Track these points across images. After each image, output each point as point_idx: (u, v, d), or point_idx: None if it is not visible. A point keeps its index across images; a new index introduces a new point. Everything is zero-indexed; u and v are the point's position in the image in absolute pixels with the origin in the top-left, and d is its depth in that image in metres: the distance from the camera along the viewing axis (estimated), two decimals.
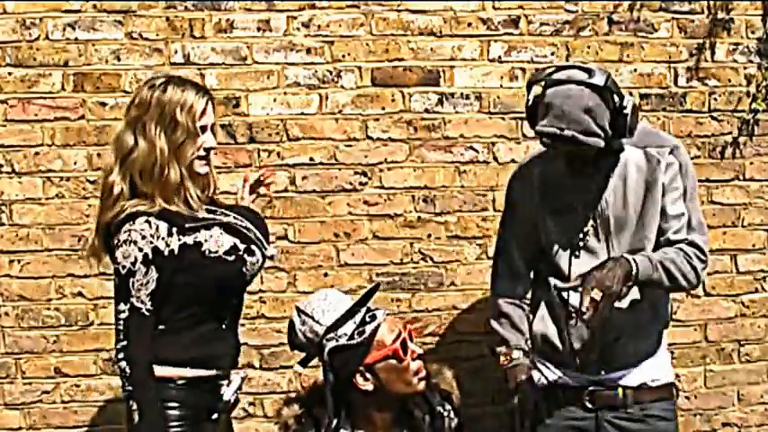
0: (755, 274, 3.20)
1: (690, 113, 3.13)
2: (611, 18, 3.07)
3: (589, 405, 2.31)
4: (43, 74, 2.83)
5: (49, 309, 2.88)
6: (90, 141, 2.86)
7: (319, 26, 2.94)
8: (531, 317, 2.39)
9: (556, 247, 2.34)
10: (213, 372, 2.10)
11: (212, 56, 2.90)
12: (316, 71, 2.95)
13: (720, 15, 3.12)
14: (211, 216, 2.11)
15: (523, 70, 3.04)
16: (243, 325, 2.83)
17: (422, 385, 2.05)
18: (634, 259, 2.15)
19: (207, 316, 2.09)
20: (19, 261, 2.86)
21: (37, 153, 2.85)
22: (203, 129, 2.07)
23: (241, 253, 2.09)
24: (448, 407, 2.14)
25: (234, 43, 2.91)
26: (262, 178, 2.43)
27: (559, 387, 2.35)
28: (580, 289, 2.11)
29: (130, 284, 1.97)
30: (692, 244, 2.23)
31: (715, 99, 3.15)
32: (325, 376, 2.02)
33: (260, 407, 2.96)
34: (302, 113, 2.95)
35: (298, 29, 2.93)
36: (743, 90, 3.16)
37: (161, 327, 2.05)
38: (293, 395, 2.15)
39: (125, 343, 1.98)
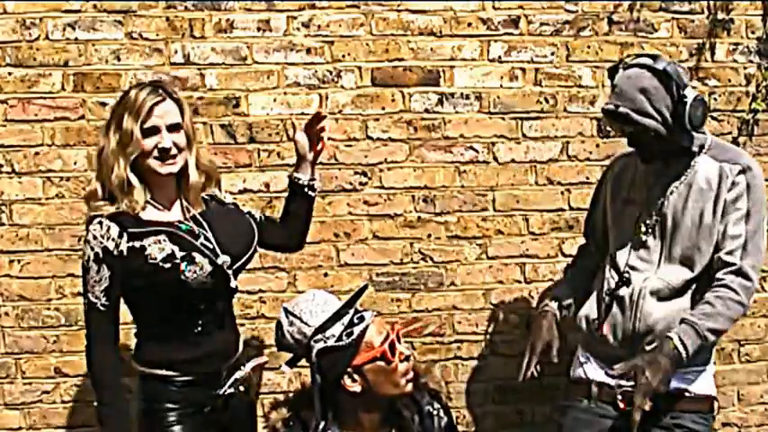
0: None
1: None
2: (611, 18, 3.07)
3: (621, 405, 2.31)
4: (43, 74, 2.83)
5: (49, 309, 2.88)
6: (90, 141, 2.86)
7: (319, 26, 2.94)
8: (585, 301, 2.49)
9: (615, 237, 2.42)
10: (197, 373, 2.17)
11: (212, 56, 2.90)
12: (316, 71, 2.95)
13: (720, 15, 3.12)
14: (160, 221, 2.16)
15: (523, 70, 3.04)
16: (243, 325, 2.85)
17: (409, 387, 2.04)
18: (683, 342, 2.15)
19: (176, 322, 2.17)
20: (19, 261, 2.86)
21: (37, 153, 2.85)
22: (153, 129, 2.12)
23: (177, 261, 2.10)
24: (437, 405, 2.14)
25: (234, 43, 2.91)
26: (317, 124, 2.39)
27: (594, 382, 2.38)
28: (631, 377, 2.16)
29: (86, 281, 2.11)
30: (739, 272, 2.20)
31: (715, 99, 3.15)
32: (313, 378, 2.03)
33: (260, 407, 2.96)
34: (302, 113, 2.95)
35: (298, 29, 2.93)
36: (743, 90, 3.16)
37: (138, 330, 2.23)
38: (281, 398, 2.16)
39: (87, 334, 2.13)
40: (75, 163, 2.86)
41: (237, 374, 2.23)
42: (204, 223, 2.22)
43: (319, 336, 2.02)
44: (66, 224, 2.87)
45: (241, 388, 2.26)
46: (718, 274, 2.22)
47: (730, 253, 2.22)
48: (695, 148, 2.28)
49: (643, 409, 2.11)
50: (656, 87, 2.18)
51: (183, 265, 2.10)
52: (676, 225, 2.29)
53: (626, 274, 2.35)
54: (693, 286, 2.29)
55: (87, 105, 2.86)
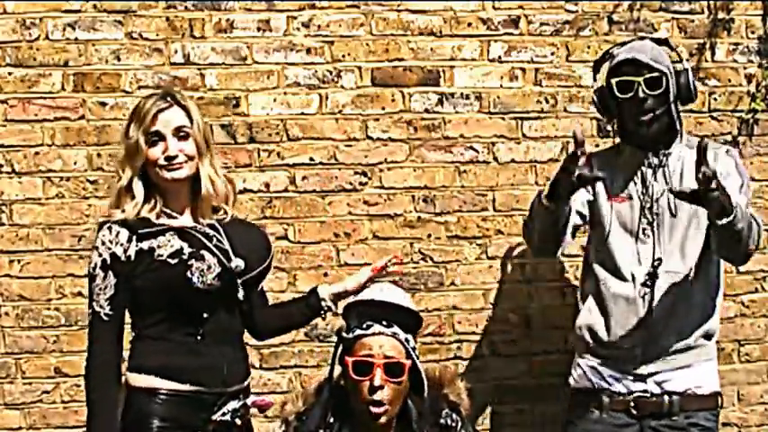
0: (755, 274, 3.20)
1: (690, 113, 3.12)
2: (611, 18, 3.07)
3: (634, 412, 2.32)
4: (43, 74, 2.83)
5: (49, 309, 2.88)
6: (90, 141, 2.86)
7: (319, 26, 2.94)
8: (579, 308, 2.46)
9: (611, 234, 2.37)
10: (189, 386, 2.06)
11: (212, 56, 2.90)
12: (316, 71, 2.95)
13: (720, 15, 3.12)
14: (168, 222, 2.12)
15: (523, 70, 3.04)
16: None
17: (374, 418, 1.96)
18: (738, 204, 2.09)
19: (175, 325, 2.08)
20: (19, 261, 2.86)
21: (37, 153, 2.85)
22: (157, 135, 2.09)
23: (185, 257, 2.06)
24: (456, 417, 2.08)
25: (234, 43, 2.91)
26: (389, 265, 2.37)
27: (605, 392, 2.36)
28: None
29: (92, 289, 2.06)
30: (753, 216, 2.20)
31: (715, 99, 3.15)
32: (333, 358, 2.07)
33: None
34: (302, 113, 2.95)
35: (298, 29, 2.93)
36: (743, 90, 3.16)
37: (135, 332, 2.14)
38: (300, 390, 2.15)
39: (88, 344, 2.07)
40: (75, 163, 2.86)
41: (235, 403, 2.11)
42: (219, 228, 2.17)
43: (346, 319, 2.07)
44: (67, 224, 2.87)
45: (237, 421, 2.12)
46: None
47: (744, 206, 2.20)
48: (680, 130, 2.34)
49: (707, 175, 1.99)
50: (660, 52, 2.30)
51: (190, 262, 2.05)
52: (674, 216, 2.30)
53: (634, 276, 2.33)
54: (694, 274, 2.31)
55: (87, 105, 2.86)
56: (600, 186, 2.41)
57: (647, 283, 2.31)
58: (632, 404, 2.32)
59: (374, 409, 1.95)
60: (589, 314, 2.41)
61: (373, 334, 2.00)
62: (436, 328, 3.06)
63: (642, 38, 2.35)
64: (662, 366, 2.32)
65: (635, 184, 2.37)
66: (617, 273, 2.36)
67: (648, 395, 2.32)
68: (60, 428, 2.90)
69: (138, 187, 2.11)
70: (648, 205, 2.33)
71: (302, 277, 2.98)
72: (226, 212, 2.23)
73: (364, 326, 2.02)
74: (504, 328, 3.07)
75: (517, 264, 3.08)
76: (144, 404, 2.04)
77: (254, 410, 2.19)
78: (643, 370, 2.33)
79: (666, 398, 2.30)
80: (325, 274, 2.99)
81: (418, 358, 2.06)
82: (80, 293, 2.88)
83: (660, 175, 2.33)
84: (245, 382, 2.20)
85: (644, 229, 2.34)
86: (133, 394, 2.07)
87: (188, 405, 2.06)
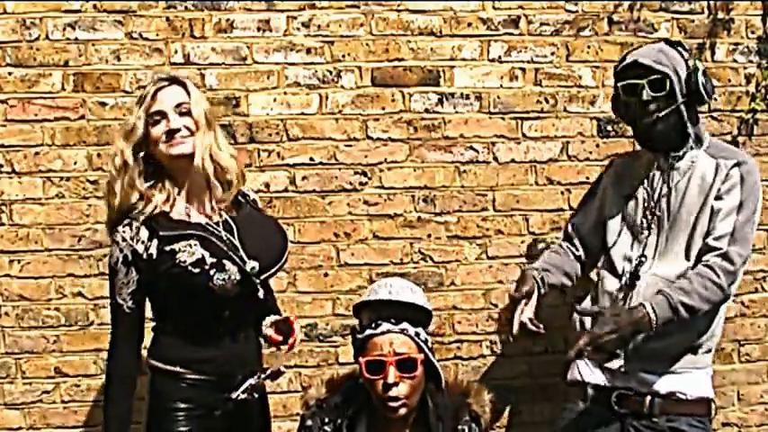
0: (755, 274, 3.20)
1: None
2: (611, 18, 3.08)
3: (616, 407, 2.33)
4: (43, 74, 2.83)
5: (49, 309, 2.88)
6: (90, 141, 2.86)
7: (319, 26, 2.94)
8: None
9: (613, 234, 2.44)
10: (210, 376, 2.15)
11: (212, 56, 2.90)
12: (316, 71, 2.95)
13: (720, 15, 3.12)
14: (190, 222, 2.16)
15: (523, 70, 3.04)
16: None
17: (392, 412, 2.01)
18: (654, 311, 2.17)
19: (196, 323, 2.16)
20: (19, 261, 2.86)
21: (37, 153, 2.85)
22: (160, 114, 2.12)
23: (207, 267, 2.10)
24: (475, 428, 2.09)
25: (234, 43, 2.91)
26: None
27: (590, 384, 2.39)
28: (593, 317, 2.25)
29: (114, 283, 2.13)
30: (724, 256, 2.22)
31: (715, 99, 3.12)
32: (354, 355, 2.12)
33: None
34: (302, 113, 2.95)
35: (298, 29, 2.93)
36: (743, 90, 3.16)
37: (156, 324, 2.22)
38: (327, 377, 2.20)
39: (111, 332, 2.17)
40: (75, 163, 2.86)
41: (252, 380, 2.20)
42: (234, 228, 2.20)
43: (358, 317, 2.11)
44: (66, 224, 2.87)
45: (255, 395, 2.22)
46: (704, 257, 2.25)
47: (718, 239, 2.25)
48: (691, 132, 2.32)
49: (579, 351, 2.13)
50: (671, 52, 2.30)
51: (212, 272, 2.09)
52: (674, 220, 2.32)
53: (623, 272, 2.37)
54: None
55: (87, 105, 2.86)
56: (615, 187, 2.49)
57: (628, 282, 2.36)
58: (614, 399, 2.33)
59: (392, 404, 2.00)
60: (586, 306, 2.46)
61: (383, 333, 2.03)
62: (436, 328, 3.06)
63: (657, 40, 2.40)
64: (641, 367, 2.32)
65: (643, 184, 2.41)
66: (612, 269, 2.42)
67: (632, 392, 2.32)
68: (60, 428, 2.91)
69: (141, 181, 2.13)
70: (650, 207, 2.36)
71: (302, 277, 2.98)
72: (245, 196, 2.30)
73: (373, 325, 2.05)
74: (504, 328, 3.07)
75: (517, 264, 3.08)
76: (168, 387, 2.15)
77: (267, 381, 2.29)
78: (624, 367, 2.34)
79: (648, 398, 2.30)
80: (326, 275, 2.99)
81: (431, 350, 2.09)
82: (80, 293, 2.88)
83: (666, 177, 2.35)
84: (259, 361, 2.32)
85: (642, 230, 2.37)
86: (157, 376, 2.17)
87: (209, 388, 2.15)
